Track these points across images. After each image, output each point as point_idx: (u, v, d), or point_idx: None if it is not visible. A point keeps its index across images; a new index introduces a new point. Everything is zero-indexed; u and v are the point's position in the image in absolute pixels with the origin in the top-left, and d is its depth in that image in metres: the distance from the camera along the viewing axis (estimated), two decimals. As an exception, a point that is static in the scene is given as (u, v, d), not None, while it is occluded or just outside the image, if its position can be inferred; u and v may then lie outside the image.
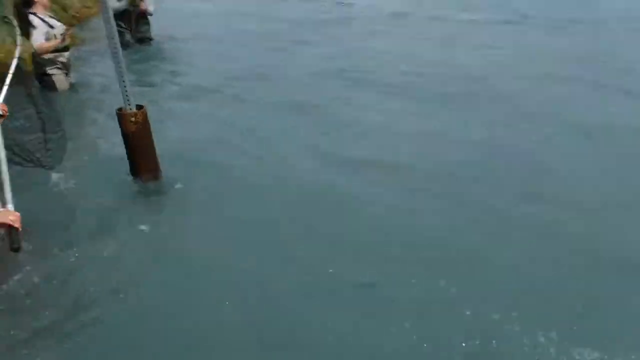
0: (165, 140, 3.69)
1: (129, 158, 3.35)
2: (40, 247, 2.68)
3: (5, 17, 5.16)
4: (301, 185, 3.30)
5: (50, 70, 5.21)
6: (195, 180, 3.41)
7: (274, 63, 6.12)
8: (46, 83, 5.17)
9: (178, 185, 3.37)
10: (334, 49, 6.57)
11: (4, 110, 2.84)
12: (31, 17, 4.97)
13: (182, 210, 3.12)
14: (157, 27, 7.39)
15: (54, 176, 3.49)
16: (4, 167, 2.42)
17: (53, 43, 5.05)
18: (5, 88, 3.07)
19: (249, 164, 3.64)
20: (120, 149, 3.37)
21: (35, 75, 5.13)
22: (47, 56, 5.12)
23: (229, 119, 4.57)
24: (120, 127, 3.25)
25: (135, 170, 3.38)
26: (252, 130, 4.24)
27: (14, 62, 3.45)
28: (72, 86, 5.42)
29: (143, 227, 2.91)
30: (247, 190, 3.31)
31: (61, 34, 5.12)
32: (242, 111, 4.74)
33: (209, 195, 3.26)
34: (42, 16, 5.07)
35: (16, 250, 2.06)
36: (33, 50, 5.05)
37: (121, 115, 3.21)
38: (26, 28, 4.83)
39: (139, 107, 3.25)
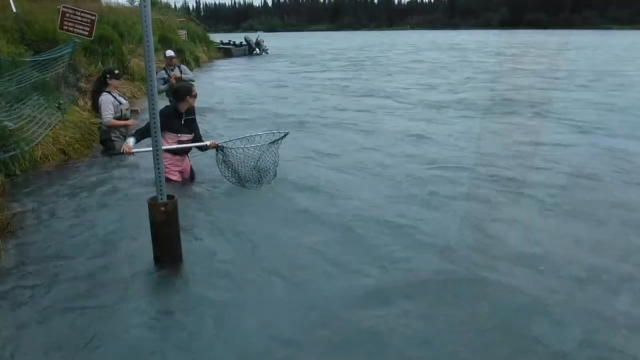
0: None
1: (154, 245, 3.46)
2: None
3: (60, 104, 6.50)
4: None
5: (114, 137, 5.97)
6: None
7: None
8: (108, 146, 6.09)
9: (198, 276, 3.42)
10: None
11: None
12: (105, 95, 6.10)
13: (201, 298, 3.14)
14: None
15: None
16: None
17: (122, 122, 6.15)
18: None
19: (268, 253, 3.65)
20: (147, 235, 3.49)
21: (100, 140, 6.37)
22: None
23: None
24: (150, 215, 3.38)
25: (159, 257, 3.48)
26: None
27: None
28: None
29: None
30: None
31: (127, 109, 6.35)
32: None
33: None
34: (114, 94, 6.22)
35: None
36: (100, 122, 6.31)
37: (152, 204, 3.36)
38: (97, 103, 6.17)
39: (170, 197, 3.39)
